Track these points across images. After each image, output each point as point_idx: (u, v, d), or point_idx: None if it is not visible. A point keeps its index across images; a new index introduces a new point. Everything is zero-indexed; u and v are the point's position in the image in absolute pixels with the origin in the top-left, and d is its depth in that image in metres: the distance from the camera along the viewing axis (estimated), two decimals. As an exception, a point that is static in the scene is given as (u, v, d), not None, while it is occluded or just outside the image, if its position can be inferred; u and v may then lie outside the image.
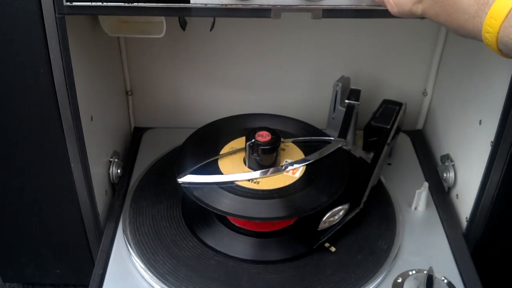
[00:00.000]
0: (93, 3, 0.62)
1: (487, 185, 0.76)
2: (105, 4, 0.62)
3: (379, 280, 0.71)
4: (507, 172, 0.74)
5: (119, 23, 0.82)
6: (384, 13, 0.62)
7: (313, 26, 0.90)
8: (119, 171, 0.91)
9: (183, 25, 0.87)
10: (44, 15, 0.63)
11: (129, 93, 1.02)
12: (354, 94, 0.90)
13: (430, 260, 0.73)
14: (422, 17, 0.53)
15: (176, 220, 0.80)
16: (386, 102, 0.93)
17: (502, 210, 0.78)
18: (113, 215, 0.83)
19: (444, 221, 0.81)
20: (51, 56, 0.67)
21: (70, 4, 0.62)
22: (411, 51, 0.96)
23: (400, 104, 0.91)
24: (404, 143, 0.97)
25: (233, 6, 0.62)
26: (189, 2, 0.62)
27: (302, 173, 0.76)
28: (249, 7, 0.62)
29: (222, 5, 0.62)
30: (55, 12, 0.63)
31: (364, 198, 0.77)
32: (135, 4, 0.62)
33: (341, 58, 0.98)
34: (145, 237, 0.77)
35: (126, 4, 0.62)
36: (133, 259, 0.74)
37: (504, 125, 0.71)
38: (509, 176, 0.74)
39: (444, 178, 0.87)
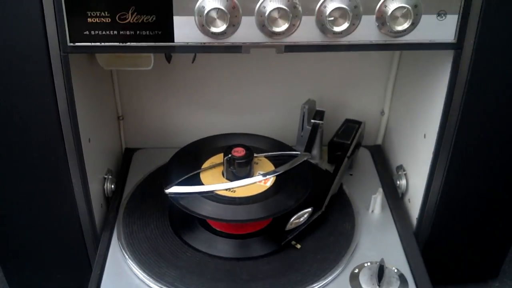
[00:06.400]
0: (93, 44, 0.69)
1: (431, 190, 0.85)
2: (102, 44, 0.69)
3: (339, 270, 0.79)
4: (447, 179, 0.83)
5: (113, 58, 0.87)
6: (336, 48, 0.71)
7: (282, 56, 0.95)
8: (112, 186, 0.95)
9: (168, 59, 0.94)
10: (50, 54, 0.70)
11: (121, 118, 1.07)
12: (319, 114, 0.98)
13: (384, 254, 0.80)
14: None
15: (164, 226, 0.86)
16: (347, 121, 1.01)
17: (446, 211, 0.87)
18: (108, 225, 0.88)
19: (397, 222, 0.89)
20: (56, 87, 0.72)
21: (73, 45, 0.69)
22: (369, 76, 1.03)
23: (359, 123, 1.00)
24: (365, 156, 1.05)
25: (210, 44, 0.70)
26: (173, 41, 0.69)
27: (272, 183, 0.83)
28: (223, 44, 0.70)
29: (201, 43, 0.70)
30: (60, 51, 0.69)
31: (326, 203, 0.86)
32: (128, 44, 0.69)
33: (307, 83, 1.03)
34: (137, 242, 0.83)
35: (120, 44, 0.69)
36: (127, 261, 0.80)
37: (441, 137, 0.80)
38: (449, 182, 0.83)
39: (398, 185, 0.96)
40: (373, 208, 0.90)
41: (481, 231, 0.91)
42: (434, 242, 0.90)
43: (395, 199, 0.94)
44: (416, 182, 0.91)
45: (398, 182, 0.96)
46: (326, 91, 1.05)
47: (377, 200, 0.90)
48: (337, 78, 1.04)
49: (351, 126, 0.99)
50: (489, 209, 0.88)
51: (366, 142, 1.08)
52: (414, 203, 0.91)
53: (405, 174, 0.96)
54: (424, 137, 0.87)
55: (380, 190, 0.90)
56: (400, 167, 0.98)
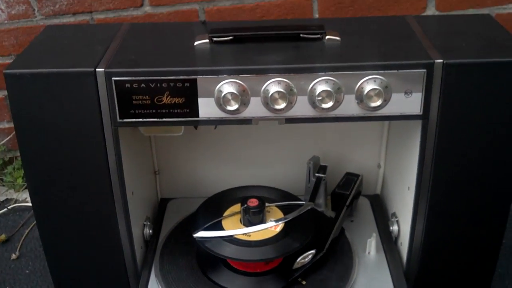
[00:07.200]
0: (137, 119, 0.82)
1: (415, 234, 0.95)
2: (144, 120, 0.82)
3: (337, 304, 0.91)
4: (427, 225, 0.93)
5: (152, 127, 0.97)
6: (325, 120, 0.83)
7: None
8: (150, 231, 1.04)
9: (195, 126, 1.05)
10: (104, 128, 0.82)
11: (157, 172, 1.17)
12: (323, 169, 1.09)
13: (376, 290, 0.92)
14: None
15: (193, 265, 0.98)
16: (348, 174, 1.11)
17: (430, 253, 0.96)
18: (147, 264, 0.99)
19: (390, 262, 0.99)
20: (107, 152, 0.84)
21: (122, 120, 0.82)
22: (366, 136, 1.13)
23: (358, 176, 1.11)
24: (365, 204, 1.15)
25: (227, 118, 0.83)
26: (198, 117, 0.82)
27: (281, 228, 0.94)
28: (237, 118, 0.83)
29: (219, 118, 0.83)
30: (111, 125, 0.82)
31: (327, 245, 0.97)
32: (163, 119, 0.83)
33: (312, 142, 1.12)
34: (171, 279, 0.95)
35: (158, 120, 0.83)
36: (163, 294, 0.94)
37: (419, 191, 0.91)
38: (429, 228, 0.93)
39: (391, 230, 1.05)
40: (369, 250, 1.01)
41: (462, 269, 1.00)
42: (422, 280, 1.00)
43: (389, 243, 1.03)
44: (405, 228, 0.99)
45: (391, 228, 1.05)
46: (329, 148, 1.14)
47: (372, 243, 1.01)
48: (338, 137, 1.14)
49: (351, 179, 1.11)
50: (468, 249, 0.98)
51: (367, 191, 1.17)
52: (404, 246, 0.99)
53: (397, 221, 1.05)
54: (408, 189, 0.96)
55: (374, 234, 1.02)
56: (393, 214, 1.07)
